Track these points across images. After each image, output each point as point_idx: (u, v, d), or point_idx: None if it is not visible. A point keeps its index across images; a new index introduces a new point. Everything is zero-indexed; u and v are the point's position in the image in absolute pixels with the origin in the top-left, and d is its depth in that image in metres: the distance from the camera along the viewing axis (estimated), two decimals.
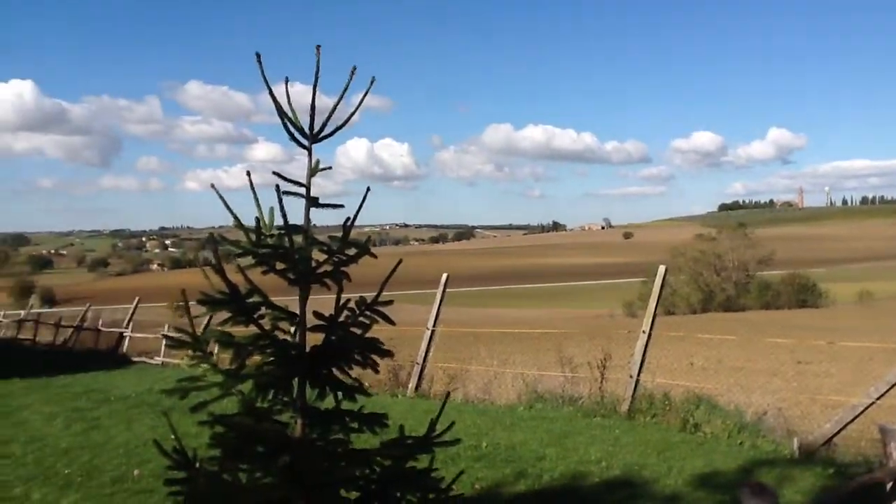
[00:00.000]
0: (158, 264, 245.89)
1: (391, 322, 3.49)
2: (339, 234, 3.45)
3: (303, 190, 3.38)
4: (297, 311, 3.36)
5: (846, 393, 9.99)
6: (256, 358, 3.29)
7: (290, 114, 3.42)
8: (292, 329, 3.38)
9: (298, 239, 3.36)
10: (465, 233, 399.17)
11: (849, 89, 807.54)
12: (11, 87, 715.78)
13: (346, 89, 3.37)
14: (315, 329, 3.36)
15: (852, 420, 7.33)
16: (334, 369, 3.36)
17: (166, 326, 23.87)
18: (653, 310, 9.34)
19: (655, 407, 8.96)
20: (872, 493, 4.28)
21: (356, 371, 3.44)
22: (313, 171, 3.43)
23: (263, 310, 3.30)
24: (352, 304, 3.43)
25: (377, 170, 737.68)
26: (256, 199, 3.43)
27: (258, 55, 3.29)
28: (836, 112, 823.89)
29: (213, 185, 3.50)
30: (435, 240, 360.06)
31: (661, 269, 9.65)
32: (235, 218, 3.39)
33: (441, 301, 11.71)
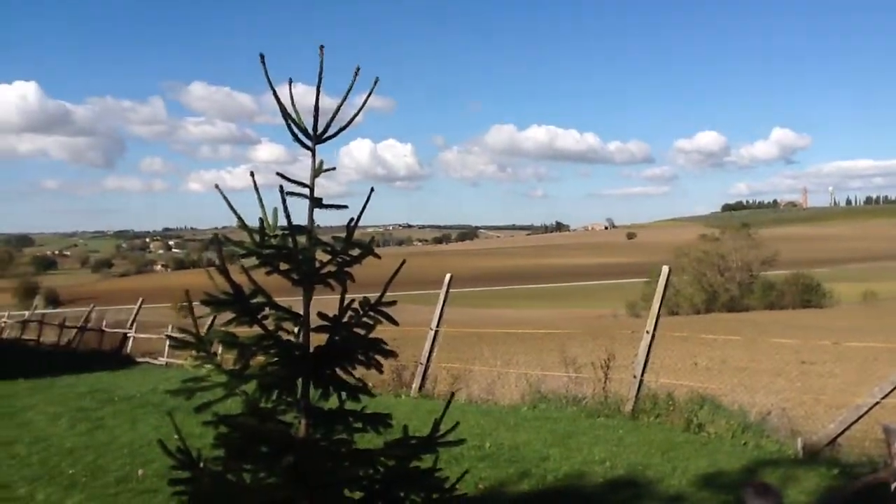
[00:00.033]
0: (162, 265, 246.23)
1: (395, 322, 3.50)
2: (343, 235, 3.46)
3: (306, 191, 3.39)
4: (301, 312, 3.37)
5: (850, 393, 10.00)
6: (260, 358, 3.30)
7: (293, 115, 3.43)
8: (296, 329, 3.38)
9: (302, 239, 3.37)
10: (468, 233, 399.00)
11: (853, 89, 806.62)
12: (15, 89, 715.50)
13: (349, 90, 3.38)
14: (319, 329, 3.37)
15: (856, 420, 7.32)
16: (338, 369, 3.37)
17: (170, 327, 23.89)
18: (656, 310, 9.33)
19: (659, 407, 8.96)
20: (877, 494, 4.27)
21: (360, 371, 3.45)
22: (317, 171, 3.43)
23: (267, 310, 3.31)
24: (355, 305, 3.44)
25: (380, 170, 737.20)
26: (260, 200, 3.44)
27: (262, 56, 3.30)
28: (839, 112, 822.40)
29: (217, 186, 3.51)
30: (438, 240, 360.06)
31: (665, 269, 9.65)
32: (239, 219, 3.40)
33: (444, 301, 11.71)
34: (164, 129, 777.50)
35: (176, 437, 3.41)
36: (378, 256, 3.53)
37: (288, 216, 3.30)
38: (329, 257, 3.42)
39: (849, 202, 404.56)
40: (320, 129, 3.47)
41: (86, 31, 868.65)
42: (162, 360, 21.74)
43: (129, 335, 25.18)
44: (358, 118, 3.59)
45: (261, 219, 3.40)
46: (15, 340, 30.54)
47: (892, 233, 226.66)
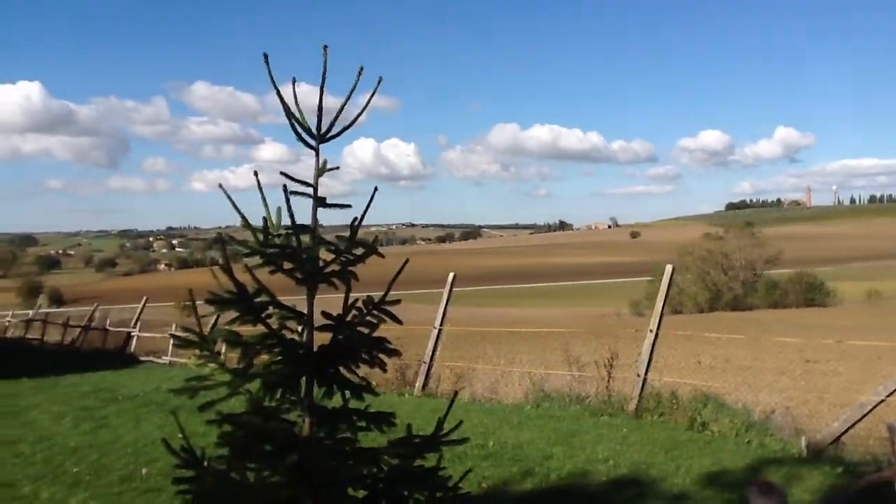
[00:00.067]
0: (166, 264, 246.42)
1: (399, 321, 3.50)
2: (347, 234, 3.46)
3: (310, 190, 3.39)
4: (305, 311, 3.37)
5: (854, 391, 9.98)
6: (264, 357, 3.30)
7: (297, 114, 3.43)
8: (300, 328, 3.38)
9: (306, 239, 3.37)
10: (471, 232, 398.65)
11: (857, 87, 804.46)
12: (19, 89, 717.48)
13: (353, 89, 3.38)
14: (323, 328, 3.37)
15: (861, 419, 7.31)
16: (342, 368, 3.37)
17: (174, 326, 23.90)
18: (660, 309, 9.33)
19: (663, 406, 8.95)
20: (881, 492, 4.27)
21: (363, 370, 3.45)
22: (321, 171, 3.43)
23: (271, 309, 3.31)
24: (359, 304, 3.44)
25: (383, 170, 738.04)
26: (264, 199, 3.44)
27: (266, 56, 3.30)
28: (843, 110, 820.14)
29: (220, 185, 3.51)
30: (441, 239, 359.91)
31: (669, 268, 9.64)
32: (243, 218, 3.40)
33: (448, 300, 11.72)
34: (168, 129, 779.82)
35: (180, 435, 3.41)
36: (382, 255, 3.53)
37: (292, 215, 3.30)
38: (333, 256, 3.42)
39: (853, 201, 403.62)
40: (324, 129, 3.47)
41: (89, 32, 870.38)
42: (165, 359, 21.78)
43: (132, 334, 25.22)
44: (361, 118, 3.59)
45: (264, 218, 3.40)
46: (19, 340, 30.61)
47: None
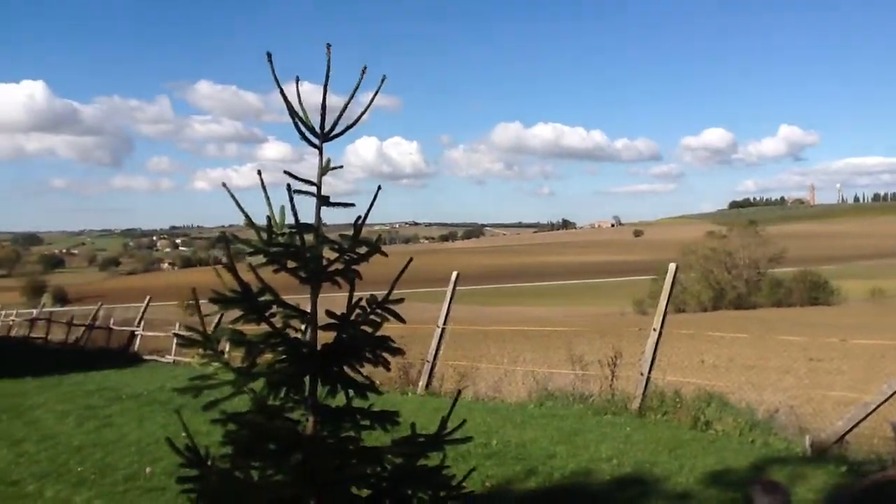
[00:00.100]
0: (169, 263, 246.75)
1: (402, 320, 3.50)
2: (350, 233, 3.46)
3: (314, 189, 3.39)
4: (309, 310, 3.38)
5: (858, 390, 9.95)
6: (268, 356, 3.30)
7: (301, 113, 3.43)
8: (304, 327, 3.39)
9: (309, 237, 3.37)
10: (474, 231, 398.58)
11: (861, 85, 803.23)
12: (23, 88, 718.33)
13: (356, 88, 3.38)
14: (326, 327, 3.37)
15: (865, 417, 7.29)
16: (346, 367, 3.37)
17: (177, 325, 23.93)
18: (663, 307, 9.32)
19: (666, 405, 8.94)
20: (885, 491, 4.26)
21: (366, 369, 3.45)
22: (324, 169, 3.43)
23: (275, 308, 3.31)
24: (363, 303, 3.44)
25: (386, 168, 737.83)
26: (267, 198, 3.44)
27: (269, 55, 3.30)
28: (848, 109, 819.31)
29: (224, 185, 3.52)
30: (445, 238, 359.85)
31: (672, 266, 9.62)
32: (247, 217, 3.40)
33: (451, 299, 11.71)
34: (171, 128, 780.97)
35: (184, 434, 3.41)
36: (385, 254, 3.53)
37: (295, 214, 3.30)
38: (336, 255, 3.43)
39: (857, 199, 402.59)
40: (327, 128, 3.47)
41: (93, 31, 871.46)
42: (169, 358, 21.78)
43: (136, 333, 25.24)
44: (364, 116, 3.59)
45: (268, 217, 3.41)
46: (23, 339, 30.72)
47: None
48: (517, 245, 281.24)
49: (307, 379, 3.31)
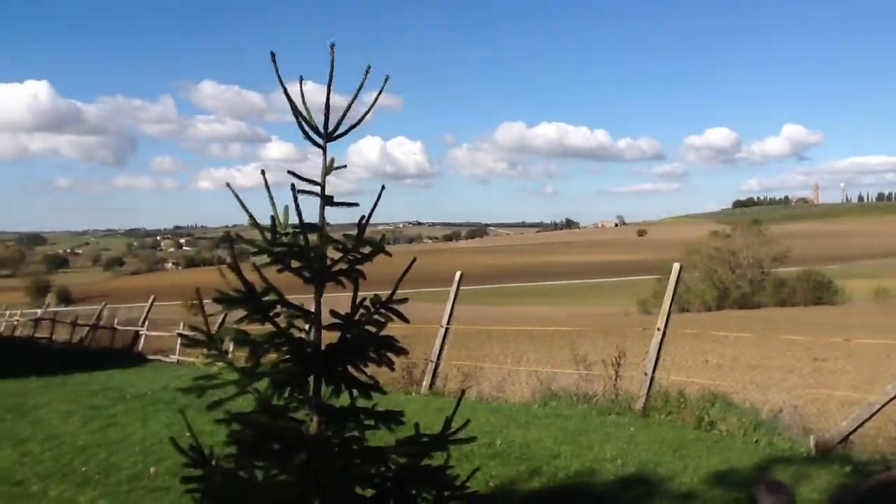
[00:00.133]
0: (173, 263, 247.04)
1: (406, 320, 3.50)
2: (354, 233, 3.46)
3: (317, 188, 3.40)
4: (313, 309, 3.38)
5: (863, 390, 9.94)
6: (272, 356, 3.30)
7: (304, 113, 3.43)
8: (308, 327, 3.39)
9: (313, 237, 3.37)
10: (478, 231, 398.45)
11: (865, 84, 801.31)
12: (27, 88, 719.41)
13: (360, 88, 3.38)
14: (331, 327, 3.37)
15: (869, 417, 7.28)
16: (350, 367, 3.37)
17: (181, 325, 23.96)
18: (667, 307, 9.30)
19: (670, 404, 8.93)
20: (889, 491, 4.25)
21: (370, 368, 3.45)
22: (328, 169, 3.44)
23: (279, 308, 3.32)
24: (367, 303, 3.44)
25: (390, 168, 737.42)
26: (271, 198, 3.44)
27: (273, 54, 3.30)
28: (852, 108, 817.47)
29: (228, 185, 3.52)
30: (448, 238, 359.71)
31: (676, 266, 9.61)
32: (251, 216, 3.40)
33: (455, 299, 11.71)
34: (175, 128, 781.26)
35: (188, 434, 3.42)
36: (389, 254, 3.53)
37: (299, 214, 3.30)
38: (340, 255, 3.43)
39: (861, 198, 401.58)
40: (331, 127, 3.47)
41: (96, 31, 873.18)
42: (173, 358, 21.81)
43: (140, 333, 25.26)
44: (368, 116, 3.59)
45: (272, 217, 3.41)
46: (27, 338, 30.77)
47: None
48: (521, 245, 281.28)
49: (311, 379, 3.31)
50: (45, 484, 6.46)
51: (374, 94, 3.52)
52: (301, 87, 3.43)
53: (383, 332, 3.45)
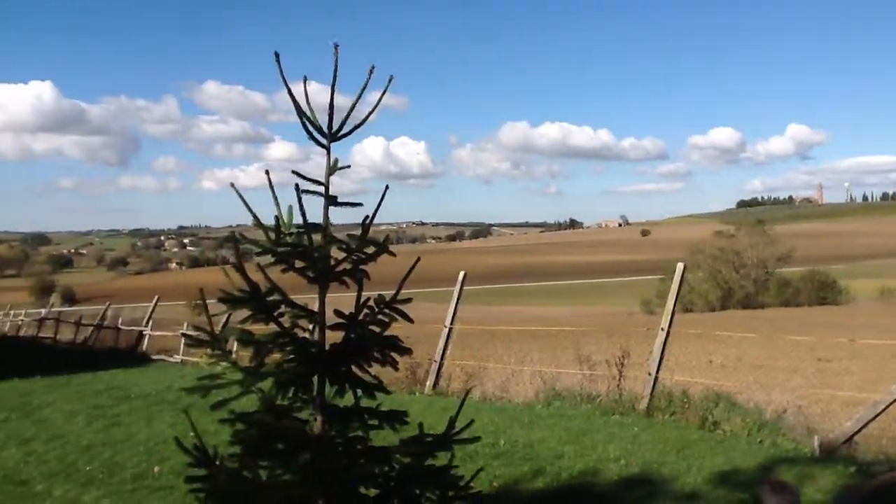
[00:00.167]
0: (177, 263, 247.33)
1: (410, 320, 3.50)
2: (358, 233, 3.46)
3: (321, 188, 3.40)
4: (317, 309, 3.38)
5: (867, 390, 9.92)
6: (276, 356, 3.31)
7: (308, 113, 3.43)
8: (312, 327, 3.39)
9: (317, 237, 3.37)
10: (481, 231, 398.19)
11: (869, 84, 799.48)
12: (31, 89, 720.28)
13: (364, 88, 3.38)
14: (335, 327, 3.37)
15: (874, 418, 7.27)
16: (354, 367, 3.37)
17: (185, 325, 24.00)
18: (671, 307, 9.30)
19: (674, 405, 8.92)
20: (894, 492, 4.24)
21: (374, 369, 3.45)
22: (332, 169, 3.44)
23: (283, 308, 3.32)
24: (371, 303, 3.44)
25: (393, 168, 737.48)
26: (275, 198, 3.44)
27: (277, 54, 3.30)
28: (856, 107, 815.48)
29: (232, 185, 3.52)
30: (452, 238, 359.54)
31: (680, 266, 9.60)
32: (255, 216, 3.40)
33: (458, 299, 11.71)
34: (178, 128, 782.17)
35: (192, 434, 3.42)
36: (393, 254, 3.53)
37: (303, 214, 3.30)
38: (344, 255, 3.43)
39: (865, 198, 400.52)
40: (335, 127, 3.47)
41: (100, 31, 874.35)
42: (177, 358, 21.85)
43: (144, 333, 25.32)
44: (372, 116, 3.59)
45: (276, 217, 3.41)
46: (32, 338, 30.85)
47: None
48: (524, 245, 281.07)
49: (315, 379, 3.31)
50: (49, 483, 6.47)
51: (378, 95, 3.52)
52: (305, 87, 3.44)
53: (387, 332, 3.45)
